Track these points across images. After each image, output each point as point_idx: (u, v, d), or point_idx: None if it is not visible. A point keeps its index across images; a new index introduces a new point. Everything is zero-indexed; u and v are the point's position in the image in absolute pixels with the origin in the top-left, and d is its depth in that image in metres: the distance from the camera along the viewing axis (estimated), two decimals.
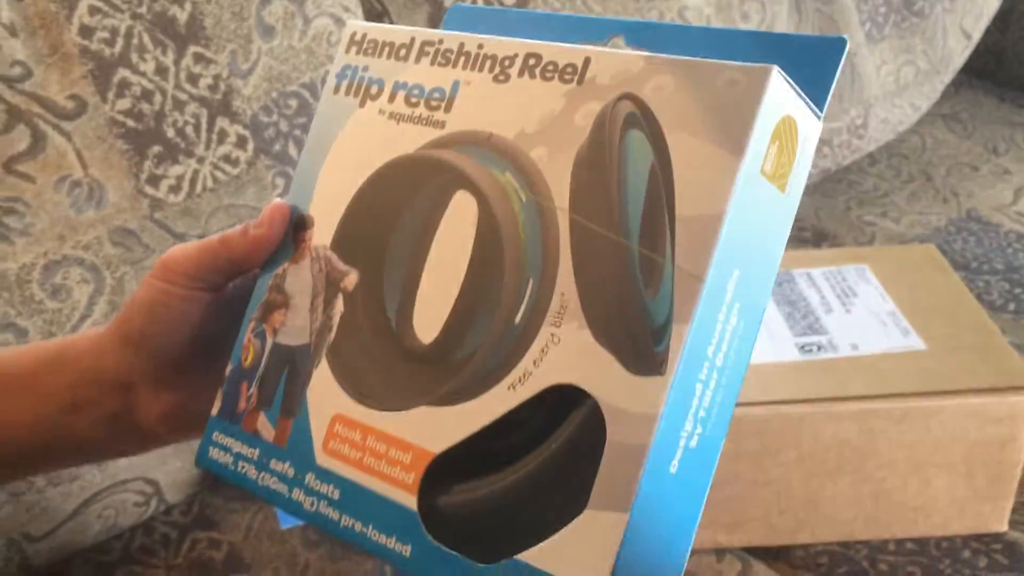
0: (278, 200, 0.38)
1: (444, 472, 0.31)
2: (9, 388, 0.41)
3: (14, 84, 0.64)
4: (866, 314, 0.73)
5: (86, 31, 0.67)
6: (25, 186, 0.65)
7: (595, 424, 0.29)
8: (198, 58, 0.71)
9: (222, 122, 0.72)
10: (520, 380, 0.30)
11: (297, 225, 0.38)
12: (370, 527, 0.32)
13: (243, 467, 0.36)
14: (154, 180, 0.69)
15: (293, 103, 0.75)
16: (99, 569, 0.70)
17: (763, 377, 0.67)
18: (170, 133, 0.70)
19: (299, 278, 0.36)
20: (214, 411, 0.38)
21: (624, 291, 0.29)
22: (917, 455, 0.66)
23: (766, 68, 0.29)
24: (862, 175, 1.15)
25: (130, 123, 0.68)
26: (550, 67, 0.32)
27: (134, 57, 0.68)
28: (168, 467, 0.72)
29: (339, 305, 0.35)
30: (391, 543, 0.31)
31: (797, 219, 1.06)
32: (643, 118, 0.30)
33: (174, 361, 0.40)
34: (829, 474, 0.67)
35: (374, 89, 0.36)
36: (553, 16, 0.36)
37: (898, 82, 1.14)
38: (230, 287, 0.40)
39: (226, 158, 0.72)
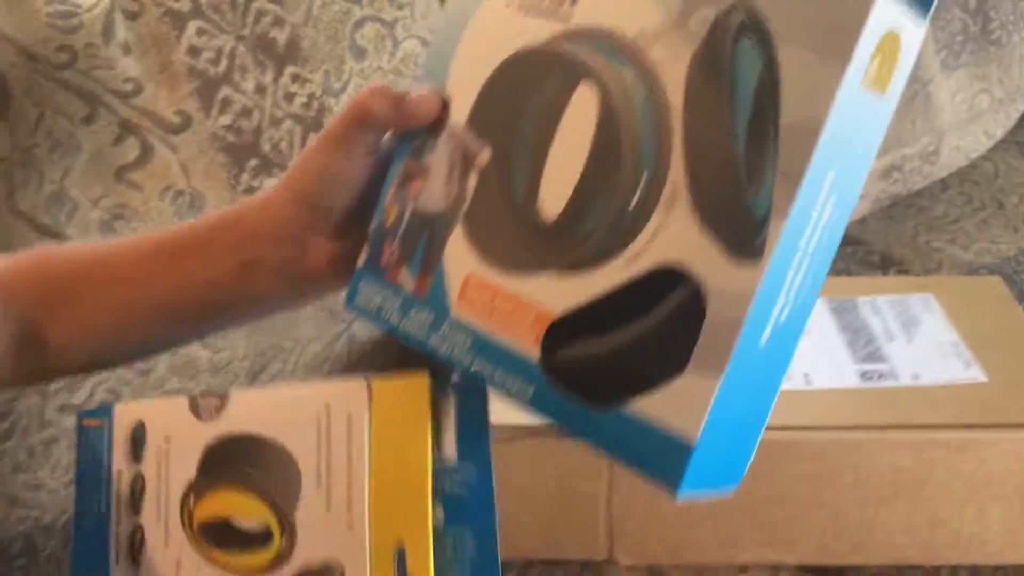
0: (437, 90, 0.41)
1: (564, 331, 0.36)
2: (185, 251, 0.46)
3: (127, 99, 0.69)
4: (929, 344, 0.75)
5: (194, 51, 0.71)
6: (133, 194, 0.70)
7: (697, 299, 0.33)
8: (295, 78, 0.75)
9: (314, 139, 0.76)
10: (635, 257, 0.34)
11: None
12: (498, 370, 0.37)
13: (387, 313, 0.41)
14: (250, 191, 0.74)
15: None
16: None
17: (823, 402, 0.69)
18: (266, 148, 0.74)
19: (437, 150, 0.40)
20: (360, 263, 0.43)
21: (729, 187, 0.33)
22: (973, 485, 0.68)
23: None
24: (933, 201, 1.15)
25: (230, 138, 0.73)
26: None
27: (236, 76, 0.73)
28: None
29: (473, 178, 0.39)
30: (516, 384, 0.36)
31: (864, 243, 1.07)
32: (753, 28, 0.33)
33: (341, 215, 0.44)
34: (885, 500, 0.69)
35: None
36: None
37: (972, 110, 1.15)
38: (384, 146, 0.44)
39: None
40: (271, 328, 0.74)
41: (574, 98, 0.36)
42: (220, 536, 0.43)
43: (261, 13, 0.73)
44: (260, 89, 0.74)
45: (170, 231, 0.48)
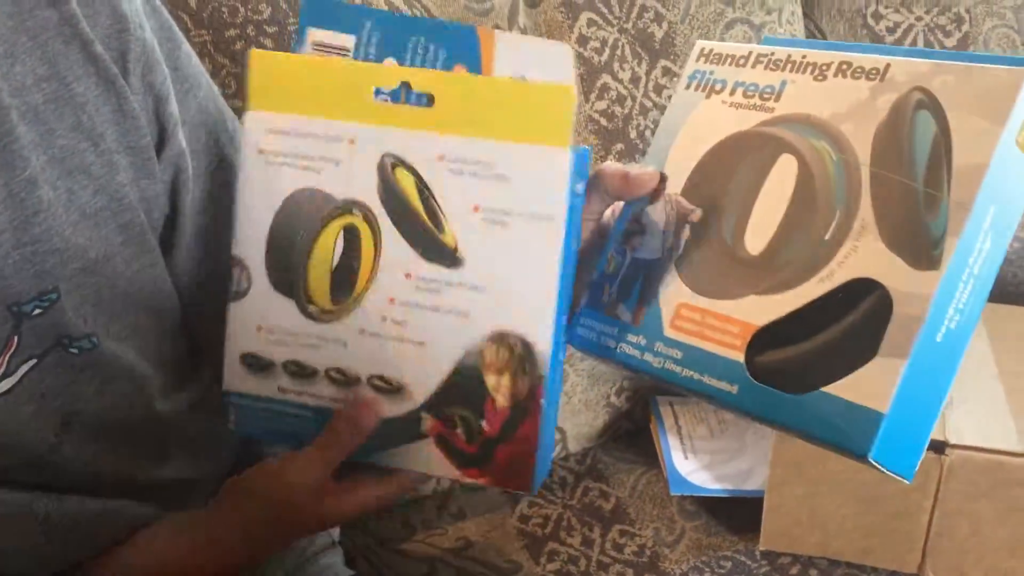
0: (656, 171, 0.49)
1: (766, 338, 0.43)
2: None
3: None
4: None
5: (582, 39, 0.77)
6: None
7: (886, 302, 0.40)
8: (665, 71, 0.80)
9: None
10: (828, 276, 0.42)
11: None
12: (705, 375, 0.44)
13: (605, 340, 0.49)
14: None
15: None
16: (508, 497, 0.82)
17: None
18: (632, 135, 0.80)
19: (654, 215, 0.48)
20: (579, 306, 0.51)
21: (910, 215, 0.41)
22: None
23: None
24: None
25: (603, 122, 0.79)
26: (858, 70, 0.44)
27: (616, 65, 0.78)
28: (576, 420, 0.82)
29: (686, 232, 0.47)
30: (721, 385, 0.44)
31: None
32: (930, 103, 0.41)
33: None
34: None
35: (718, 86, 0.47)
36: (844, 44, 0.48)
37: None
38: (606, 217, 0.51)
39: None
40: None
41: (776, 165, 0.45)
42: (342, 281, 0.47)
43: (644, 8, 0.79)
44: (634, 79, 0.79)
45: None
